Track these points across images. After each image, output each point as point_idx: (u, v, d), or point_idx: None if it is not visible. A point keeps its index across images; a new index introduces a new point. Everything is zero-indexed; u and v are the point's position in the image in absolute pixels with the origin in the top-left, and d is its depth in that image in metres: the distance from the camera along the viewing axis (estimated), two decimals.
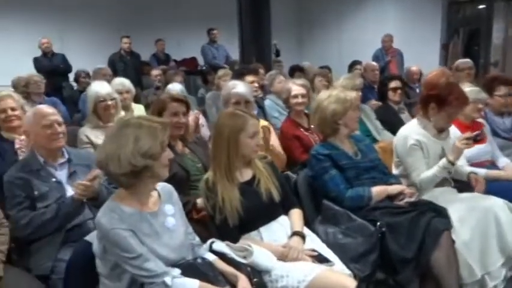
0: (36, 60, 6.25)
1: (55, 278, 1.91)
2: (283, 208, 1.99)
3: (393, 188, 2.19)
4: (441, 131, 2.44)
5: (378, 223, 1.94)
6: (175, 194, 1.68)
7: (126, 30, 7.36)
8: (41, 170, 2.13)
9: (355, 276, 1.81)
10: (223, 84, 4.57)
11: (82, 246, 1.59)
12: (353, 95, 2.29)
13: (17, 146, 2.60)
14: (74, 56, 6.75)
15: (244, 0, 5.75)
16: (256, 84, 3.75)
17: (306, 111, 3.23)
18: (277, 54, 7.36)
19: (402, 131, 2.50)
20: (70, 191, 2.13)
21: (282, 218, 1.96)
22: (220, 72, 4.83)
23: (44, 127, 2.14)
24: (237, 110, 1.94)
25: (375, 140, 3.32)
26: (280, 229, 1.91)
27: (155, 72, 5.71)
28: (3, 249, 1.90)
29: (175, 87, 3.55)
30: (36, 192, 2.06)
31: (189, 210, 2.18)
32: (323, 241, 1.99)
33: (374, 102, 4.26)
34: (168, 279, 1.40)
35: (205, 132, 3.44)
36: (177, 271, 1.45)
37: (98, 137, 2.97)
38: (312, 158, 2.21)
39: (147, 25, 8.21)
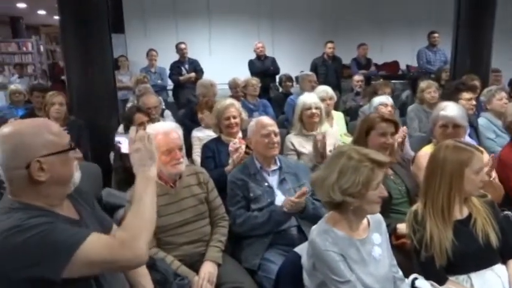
0: (250, 62, 6.96)
1: (261, 274, 2.15)
2: (502, 256, 1.77)
3: None
4: None
5: None
6: (384, 224, 1.67)
7: (330, 35, 7.60)
8: (256, 174, 2.39)
9: None
10: (427, 97, 4.31)
11: (292, 257, 1.73)
12: None
13: (230, 148, 2.97)
14: (282, 59, 7.30)
15: (465, 1, 5.21)
16: (473, 102, 3.40)
17: None
18: None
19: None
20: (279, 196, 2.34)
21: (499, 268, 1.74)
22: (423, 84, 4.49)
23: (262, 136, 2.39)
24: (459, 143, 1.79)
25: None
26: (495, 280, 1.71)
27: (357, 77, 5.71)
28: (223, 239, 2.22)
29: (385, 100, 3.46)
30: (251, 194, 2.33)
31: (389, 235, 2.14)
32: None
33: None
34: None
35: (407, 149, 3.28)
36: None
37: (301, 144, 3.17)
38: None
39: (350, 30, 8.31)
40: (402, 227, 2.16)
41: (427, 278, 1.68)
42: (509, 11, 7.27)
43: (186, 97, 6.20)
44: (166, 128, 2.08)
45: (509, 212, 2.16)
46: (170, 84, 6.92)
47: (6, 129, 1.23)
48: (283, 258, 2.14)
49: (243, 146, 2.61)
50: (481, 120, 3.75)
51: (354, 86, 5.75)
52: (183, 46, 6.76)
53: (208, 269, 2.06)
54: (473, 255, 1.71)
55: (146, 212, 1.27)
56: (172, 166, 2.07)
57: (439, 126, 2.55)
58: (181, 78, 6.59)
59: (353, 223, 1.57)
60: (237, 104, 3.17)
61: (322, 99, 3.60)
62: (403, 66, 8.66)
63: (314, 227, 1.60)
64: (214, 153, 2.89)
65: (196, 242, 2.16)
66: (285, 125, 4.42)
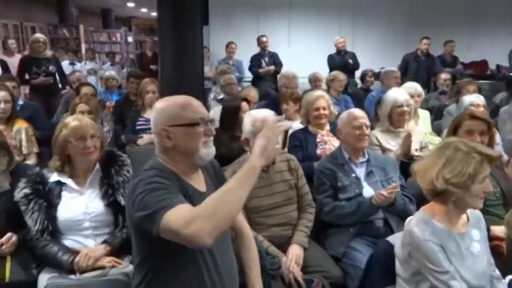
0: (330, 57, 6.94)
1: (346, 261, 2.21)
2: None
3: None
4: None
5: None
6: (483, 221, 1.66)
7: (413, 31, 7.36)
8: (344, 165, 2.44)
9: None
10: None
11: (384, 245, 1.77)
12: None
13: (318, 140, 3.04)
14: (362, 55, 7.20)
15: None
16: None
17: None
18: None
19: None
20: (366, 187, 2.38)
21: None
22: None
23: (354, 128, 2.44)
24: None
25: None
26: None
27: (444, 76, 5.49)
28: (309, 225, 2.31)
29: (476, 99, 3.34)
30: (339, 184, 2.38)
31: None
32: None
33: None
34: None
35: (501, 152, 3.13)
36: None
37: (387, 141, 3.14)
38: None
39: (436, 26, 7.95)
40: (496, 229, 2.12)
41: None
42: None
43: (265, 89, 6.33)
44: (266, 116, 2.18)
45: None
46: (247, 77, 7.12)
47: (159, 101, 1.53)
48: (368, 248, 2.20)
49: None
50: None
51: (441, 84, 5.53)
52: (264, 39, 6.91)
53: (296, 251, 2.16)
54: None
55: (229, 199, 1.23)
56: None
57: None
58: (260, 70, 6.75)
59: (453, 216, 1.58)
60: (327, 96, 3.23)
61: (411, 96, 3.53)
62: (492, 66, 8.15)
63: (411, 217, 1.63)
64: (302, 142, 2.98)
65: (284, 225, 2.26)
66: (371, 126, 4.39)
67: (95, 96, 4.14)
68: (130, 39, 12.19)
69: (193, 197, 1.41)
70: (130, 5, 14.06)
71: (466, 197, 1.51)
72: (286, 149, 1.33)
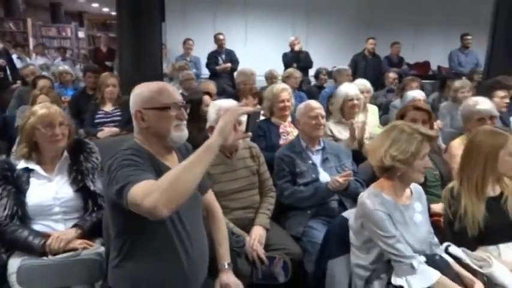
0: (284, 55, 7.16)
1: (305, 239, 2.39)
2: None
3: None
4: None
5: None
6: (424, 195, 1.89)
7: (364, 32, 7.75)
8: (302, 152, 2.63)
9: None
10: (460, 96, 4.46)
11: (340, 220, 1.96)
12: None
13: (281, 130, 3.22)
14: (315, 54, 7.50)
15: (503, 4, 5.30)
16: (507, 100, 3.56)
17: None
18: None
19: None
20: (322, 173, 2.58)
21: None
22: (458, 83, 4.65)
23: (310, 118, 2.63)
24: (495, 128, 1.99)
25: None
26: None
27: (392, 75, 5.87)
28: (271, 208, 2.47)
29: (418, 95, 3.65)
30: (297, 170, 2.57)
31: None
32: None
33: None
34: (415, 263, 1.64)
35: (439, 142, 3.46)
36: (422, 258, 1.68)
37: (340, 132, 3.39)
38: None
39: (384, 28, 8.43)
40: (435, 207, 2.39)
41: (458, 246, 1.88)
42: None
43: (222, 86, 6.45)
44: (230, 105, 2.31)
45: None
46: (204, 74, 7.20)
47: (137, 87, 1.62)
48: (324, 226, 2.40)
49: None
50: None
51: (389, 83, 5.90)
52: (221, 37, 7.02)
53: (259, 231, 2.31)
54: (502, 229, 1.91)
55: (185, 174, 1.29)
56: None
57: (476, 120, 2.72)
58: (217, 67, 6.85)
59: (398, 190, 1.79)
60: (289, 89, 3.43)
61: (361, 92, 3.79)
62: (434, 67, 8.74)
63: (363, 192, 1.83)
64: (266, 133, 3.15)
65: (248, 208, 2.41)
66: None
67: (53, 89, 4.09)
68: (81, 34, 11.86)
69: None
70: None
71: (410, 172, 1.73)
72: (250, 133, 1.42)
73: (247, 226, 2.36)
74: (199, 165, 1.31)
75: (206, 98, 3.35)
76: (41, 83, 4.05)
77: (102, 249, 1.89)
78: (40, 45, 9.50)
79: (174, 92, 1.61)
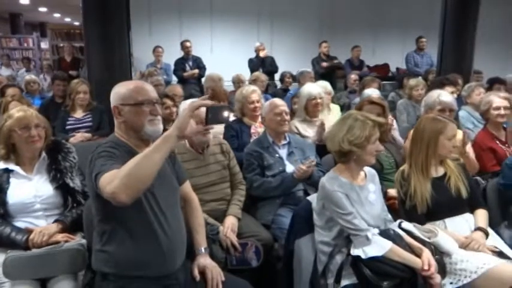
0: (250, 61, 7.39)
1: (274, 227, 2.58)
2: (470, 207, 2.22)
3: None
4: None
5: None
6: (377, 177, 2.12)
7: (325, 37, 8.10)
8: (269, 147, 2.82)
9: None
10: (415, 94, 4.81)
11: (305, 204, 2.16)
12: None
13: (252, 131, 3.40)
14: (280, 58, 7.76)
15: (450, 9, 5.72)
16: (455, 95, 3.87)
17: (505, 125, 3.23)
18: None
19: None
20: (288, 165, 2.78)
21: (468, 215, 2.20)
22: (412, 82, 5.03)
23: (275, 114, 2.82)
24: (438, 116, 2.25)
25: None
26: (464, 224, 2.16)
27: (353, 77, 6.18)
28: (242, 199, 2.64)
29: (373, 92, 3.94)
30: (265, 163, 2.75)
31: None
32: (506, 244, 2.14)
33: None
34: (369, 234, 1.84)
35: (396, 135, 3.72)
36: (376, 230, 1.89)
37: (305, 129, 3.60)
38: (505, 167, 2.35)
39: (345, 33, 8.84)
40: (390, 191, 2.62)
41: (410, 221, 2.11)
42: (490, 19, 7.85)
43: (190, 91, 6.59)
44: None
45: (478, 177, 2.63)
46: (175, 80, 7.32)
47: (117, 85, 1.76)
48: (291, 214, 2.58)
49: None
50: (462, 113, 4.23)
51: (351, 84, 6.21)
52: (188, 44, 7.17)
53: (231, 221, 2.48)
54: (447, 205, 2.16)
55: (143, 162, 1.40)
56: (203, 135, 2.48)
57: (437, 110, 2.94)
58: (185, 74, 7.00)
59: (354, 172, 2.01)
60: (259, 90, 3.62)
61: (324, 93, 4.05)
62: (393, 69, 9.18)
63: (323, 177, 2.03)
64: (238, 133, 3.32)
65: (220, 200, 2.57)
66: None
67: (23, 98, 4.12)
68: (43, 45, 11.70)
69: None
70: (42, 9, 13.48)
71: (364, 155, 1.94)
72: (211, 126, 1.50)
73: (220, 217, 2.52)
74: (156, 153, 1.42)
75: (165, 101, 3.52)
76: (10, 91, 4.08)
77: (84, 241, 2.00)
78: (5, 56, 9.34)
79: (150, 91, 1.75)
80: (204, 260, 1.92)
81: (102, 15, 4.41)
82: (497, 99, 3.25)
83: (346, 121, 1.97)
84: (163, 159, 1.44)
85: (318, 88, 3.73)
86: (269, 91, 7.04)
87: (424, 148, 2.16)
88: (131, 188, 1.40)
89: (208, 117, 1.48)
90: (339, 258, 1.93)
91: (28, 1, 11.95)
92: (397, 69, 9.03)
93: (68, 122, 4.06)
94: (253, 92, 3.48)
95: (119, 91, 1.72)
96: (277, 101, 2.92)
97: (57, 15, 14.89)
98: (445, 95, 2.99)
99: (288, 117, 2.86)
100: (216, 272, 1.87)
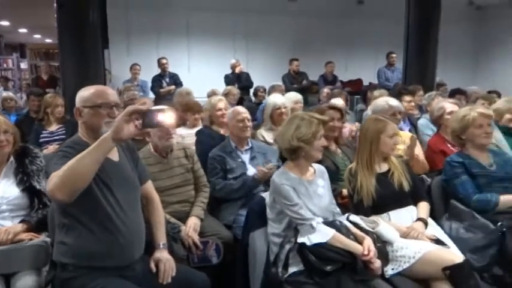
0: (226, 77, 7.62)
1: (235, 226, 2.72)
2: (413, 200, 2.39)
3: None
4: None
5: (499, 223, 2.18)
6: (326, 173, 2.28)
7: (299, 54, 8.39)
8: (232, 152, 2.97)
9: None
10: None
11: (259, 199, 2.31)
12: (476, 114, 2.49)
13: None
14: (255, 74, 8.00)
15: (412, 27, 6.05)
16: (412, 104, 4.12)
17: None
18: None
19: None
20: (250, 169, 2.92)
21: (411, 208, 2.37)
22: (376, 93, 5.34)
23: (237, 121, 2.98)
24: (380, 116, 2.44)
25: None
26: (407, 215, 2.33)
27: (326, 91, 6.46)
28: (205, 201, 2.77)
29: (338, 101, 4.15)
30: (228, 166, 2.90)
31: (336, 196, 2.74)
32: (446, 234, 2.31)
33: None
34: (314, 223, 1.99)
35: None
36: (320, 219, 2.04)
37: (270, 137, 3.77)
38: (447, 164, 2.53)
39: (318, 49, 9.16)
40: (345, 191, 2.77)
41: (357, 214, 2.26)
42: (456, 34, 8.27)
43: None
44: None
45: (424, 175, 2.82)
46: (152, 97, 7.45)
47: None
48: None
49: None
50: (422, 121, 4.45)
51: (323, 97, 6.45)
52: (164, 61, 7.36)
53: (194, 221, 2.60)
54: (390, 198, 2.32)
55: (79, 163, 1.53)
56: (166, 140, 2.62)
57: (390, 115, 3.15)
58: (161, 90, 7.16)
59: (303, 168, 2.17)
60: (225, 100, 3.86)
61: (294, 103, 4.25)
62: (366, 83, 9.50)
63: (274, 173, 2.18)
64: (209, 137, 3.45)
65: (184, 202, 2.70)
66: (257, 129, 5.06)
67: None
68: (23, 65, 11.79)
69: (104, 165, 1.72)
70: (23, 31, 13.57)
71: (311, 151, 2.11)
72: (146, 129, 1.60)
73: (183, 219, 2.64)
74: (91, 155, 1.54)
75: None
76: None
77: (48, 239, 2.10)
78: None
79: (110, 94, 1.86)
80: (160, 254, 2.02)
81: (76, 31, 4.56)
82: (449, 104, 3.47)
83: (294, 121, 2.14)
84: (100, 160, 1.56)
85: (283, 98, 3.92)
86: (244, 105, 7.26)
87: (368, 146, 2.34)
88: (67, 187, 1.53)
89: (144, 121, 1.57)
90: (287, 247, 2.07)
91: (8, 23, 12.04)
92: (370, 83, 9.34)
93: (42, 135, 4.15)
94: (220, 101, 3.66)
95: (82, 94, 1.85)
96: (240, 108, 3.09)
97: (37, 36, 14.97)
98: (392, 100, 3.21)
99: (249, 124, 3.02)
100: (168, 266, 1.96)
